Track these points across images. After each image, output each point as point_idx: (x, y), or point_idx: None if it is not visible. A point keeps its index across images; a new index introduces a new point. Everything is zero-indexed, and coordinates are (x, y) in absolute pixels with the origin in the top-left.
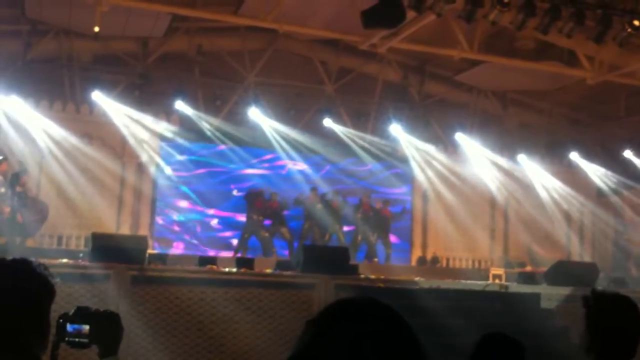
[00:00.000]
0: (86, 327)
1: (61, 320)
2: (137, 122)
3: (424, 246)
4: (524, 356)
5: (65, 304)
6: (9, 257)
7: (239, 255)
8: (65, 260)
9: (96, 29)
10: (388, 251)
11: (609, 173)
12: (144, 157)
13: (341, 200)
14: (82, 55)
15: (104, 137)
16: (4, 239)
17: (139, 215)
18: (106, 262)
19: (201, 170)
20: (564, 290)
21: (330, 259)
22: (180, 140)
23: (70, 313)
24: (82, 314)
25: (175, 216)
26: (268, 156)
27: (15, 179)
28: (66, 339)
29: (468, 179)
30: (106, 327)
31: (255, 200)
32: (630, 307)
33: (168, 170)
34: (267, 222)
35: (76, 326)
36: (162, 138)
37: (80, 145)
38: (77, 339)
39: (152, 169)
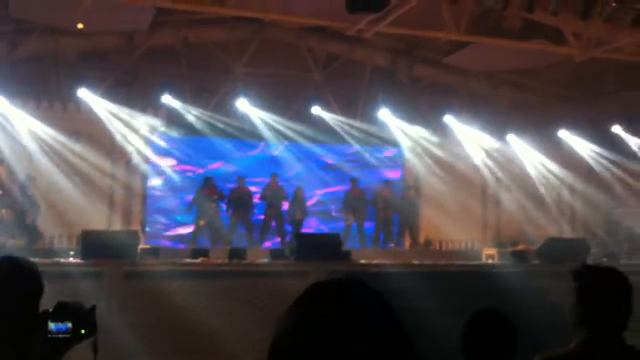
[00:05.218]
0: (68, 324)
1: (43, 317)
2: (125, 118)
3: (417, 229)
4: (515, 332)
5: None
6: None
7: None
8: (56, 259)
9: (80, 25)
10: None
11: (599, 149)
12: (134, 153)
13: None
14: (68, 52)
15: (92, 134)
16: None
17: (130, 211)
18: (97, 259)
19: (188, 166)
20: (556, 267)
21: (323, 246)
22: (169, 134)
23: (51, 310)
24: (63, 310)
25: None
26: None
27: (28, 182)
28: (48, 335)
29: (459, 161)
30: (87, 321)
31: (203, 188)
32: (621, 280)
33: (163, 162)
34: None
35: (58, 323)
36: (151, 132)
37: (69, 144)
38: (59, 336)
39: (141, 164)
